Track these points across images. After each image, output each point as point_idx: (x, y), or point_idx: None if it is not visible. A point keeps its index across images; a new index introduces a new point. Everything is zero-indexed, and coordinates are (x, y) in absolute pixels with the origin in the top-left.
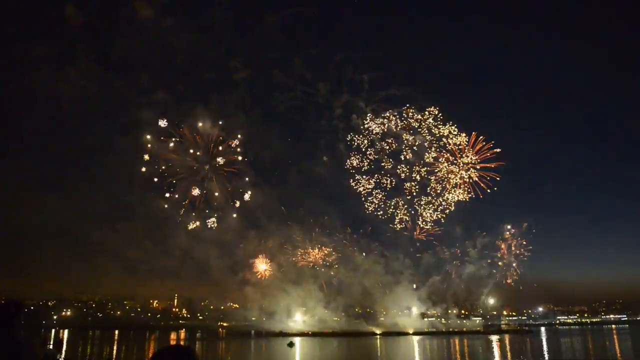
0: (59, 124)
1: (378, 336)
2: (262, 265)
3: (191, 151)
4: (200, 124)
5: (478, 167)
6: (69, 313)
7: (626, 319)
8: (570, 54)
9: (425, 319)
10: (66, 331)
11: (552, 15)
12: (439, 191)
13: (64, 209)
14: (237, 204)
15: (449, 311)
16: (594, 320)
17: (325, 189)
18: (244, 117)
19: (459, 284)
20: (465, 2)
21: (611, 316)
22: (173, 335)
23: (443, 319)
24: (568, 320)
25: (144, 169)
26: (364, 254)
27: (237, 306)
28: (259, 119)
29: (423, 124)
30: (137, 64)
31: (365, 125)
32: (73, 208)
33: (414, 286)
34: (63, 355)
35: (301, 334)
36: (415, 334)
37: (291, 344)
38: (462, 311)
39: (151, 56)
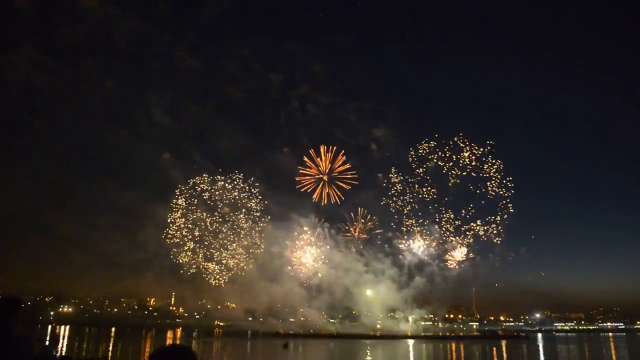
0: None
1: (371, 340)
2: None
3: None
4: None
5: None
6: (66, 309)
7: (624, 327)
8: (572, 68)
9: (422, 323)
10: (67, 328)
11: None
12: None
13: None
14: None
15: (446, 316)
16: (591, 327)
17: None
18: (197, 109)
19: (445, 285)
20: None
21: (608, 324)
22: (169, 334)
23: (439, 323)
24: (565, 327)
25: None
26: (342, 250)
27: (234, 306)
28: (214, 112)
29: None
30: (82, 52)
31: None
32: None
33: (397, 287)
34: (59, 352)
35: (295, 335)
36: (411, 337)
37: (286, 345)
38: (460, 316)
39: (95, 44)
